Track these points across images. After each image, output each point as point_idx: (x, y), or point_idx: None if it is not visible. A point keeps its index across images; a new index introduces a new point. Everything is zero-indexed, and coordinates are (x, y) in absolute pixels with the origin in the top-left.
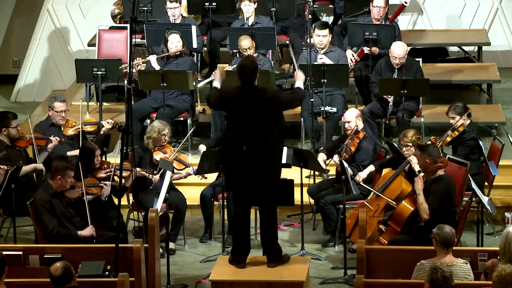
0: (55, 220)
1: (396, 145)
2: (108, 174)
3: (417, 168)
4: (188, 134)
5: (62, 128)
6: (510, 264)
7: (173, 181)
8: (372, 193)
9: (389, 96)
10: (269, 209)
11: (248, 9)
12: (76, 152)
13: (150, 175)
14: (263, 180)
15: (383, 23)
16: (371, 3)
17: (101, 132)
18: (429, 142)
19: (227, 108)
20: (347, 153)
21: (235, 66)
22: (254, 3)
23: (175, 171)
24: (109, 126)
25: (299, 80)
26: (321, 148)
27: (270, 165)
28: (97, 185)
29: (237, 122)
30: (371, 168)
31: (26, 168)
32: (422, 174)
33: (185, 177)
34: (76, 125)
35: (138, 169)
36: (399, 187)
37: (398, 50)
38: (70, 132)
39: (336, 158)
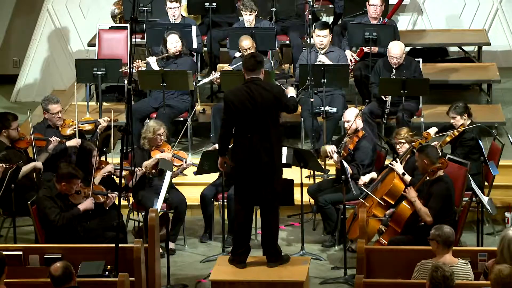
0: (57, 208)
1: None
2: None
3: (400, 171)
4: (183, 130)
5: (60, 129)
6: (508, 265)
7: (172, 178)
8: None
9: (386, 96)
10: (274, 208)
11: (248, 19)
12: (74, 142)
13: (150, 175)
14: (271, 179)
15: (380, 21)
16: (367, 2)
17: (97, 130)
18: (423, 140)
19: (237, 107)
20: (345, 151)
21: (235, 66)
22: (254, 12)
23: (175, 168)
24: (104, 124)
25: (291, 93)
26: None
27: (278, 164)
28: (104, 194)
29: (247, 118)
30: (373, 174)
31: (25, 168)
32: (410, 177)
33: (182, 171)
34: (73, 124)
35: (138, 168)
36: (390, 182)
37: (395, 50)
38: (68, 132)
39: (336, 157)
